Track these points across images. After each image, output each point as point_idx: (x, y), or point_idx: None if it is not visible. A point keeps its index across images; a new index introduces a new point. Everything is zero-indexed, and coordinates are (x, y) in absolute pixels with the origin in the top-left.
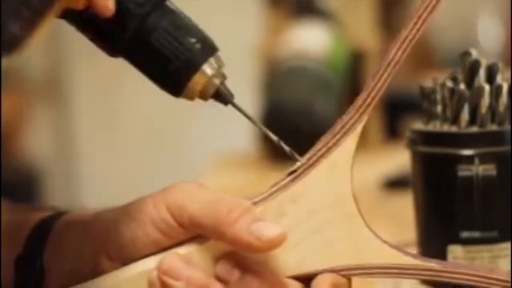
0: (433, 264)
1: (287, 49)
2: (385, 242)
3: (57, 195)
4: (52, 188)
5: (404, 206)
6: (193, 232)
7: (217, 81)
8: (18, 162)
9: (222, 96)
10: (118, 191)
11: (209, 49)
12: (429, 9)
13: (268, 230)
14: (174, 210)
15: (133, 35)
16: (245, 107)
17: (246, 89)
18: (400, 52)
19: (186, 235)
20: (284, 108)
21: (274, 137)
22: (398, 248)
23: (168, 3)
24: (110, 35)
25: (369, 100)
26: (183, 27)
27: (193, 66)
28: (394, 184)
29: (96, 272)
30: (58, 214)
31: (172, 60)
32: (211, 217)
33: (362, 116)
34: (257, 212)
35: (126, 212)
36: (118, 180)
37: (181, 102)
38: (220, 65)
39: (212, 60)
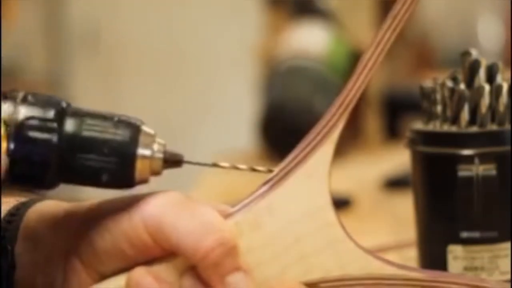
0: (419, 274)
1: (287, 49)
2: (367, 252)
3: (57, 195)
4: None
5: (404, 206)
6: (170, 251)
7: (159, 154)
8: None
9: (173, 162)
10: (118, 191)
11: (133, 130)
12: (405, 8)
13: None
14: (152, 231)
15: (57, 162)
16: (245, 107)
17: (246, 89)
18: (377, 53)
19: (161, 253)
20: (284, 108)
21: (249, 168)
22: (382, 258)
23: (70, 109)
24: (37, 175)
25: (345, 103)
26: (98, 125)
27: (129, 158)
28: (394, 184)
29: (67, 272)
30: (31, 201)
31: (107, 165)
32: (192, 249)
33: (338, 120)
34: (237, 247)
35: (101, 220)
36: None
37: (180, 101)
38: (152, 136)
39: (142, 139)
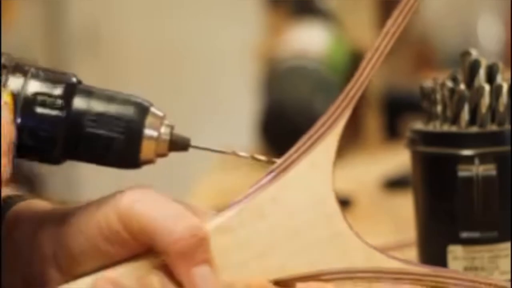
0: (421, 268)
1: (287, 49)
2: (370, 245)
3: (57, 195)
4: (52, 188)
5: (404, 206)
6: (146, 243)
7: (166, 136)
8: (18, 162)
9: (179, 145)
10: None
11: (141, 110)
12: (411, 1)
13: (206, 285)
14: (126, 220)
15: (64, 138)
16: (245, 107)
17: (246, 89)
18: (383, 45)
19: (139, 247)
20: (284, 108)
21: (246, 155)
22: (384, 252)
23: (80, 87)
24: (43, 149)
25: (351, 94)
26: (107, 103)
27: (135, 137)
28: (394, 184)
29: (46, 282)
30: (10, 202)
31: (113, 142)
32: (166, 232)
33: (343, 112)
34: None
35: (74, 223)
36: (119, 180)
37: (180, 101)
38: (161, 118)
39: (149, 119)
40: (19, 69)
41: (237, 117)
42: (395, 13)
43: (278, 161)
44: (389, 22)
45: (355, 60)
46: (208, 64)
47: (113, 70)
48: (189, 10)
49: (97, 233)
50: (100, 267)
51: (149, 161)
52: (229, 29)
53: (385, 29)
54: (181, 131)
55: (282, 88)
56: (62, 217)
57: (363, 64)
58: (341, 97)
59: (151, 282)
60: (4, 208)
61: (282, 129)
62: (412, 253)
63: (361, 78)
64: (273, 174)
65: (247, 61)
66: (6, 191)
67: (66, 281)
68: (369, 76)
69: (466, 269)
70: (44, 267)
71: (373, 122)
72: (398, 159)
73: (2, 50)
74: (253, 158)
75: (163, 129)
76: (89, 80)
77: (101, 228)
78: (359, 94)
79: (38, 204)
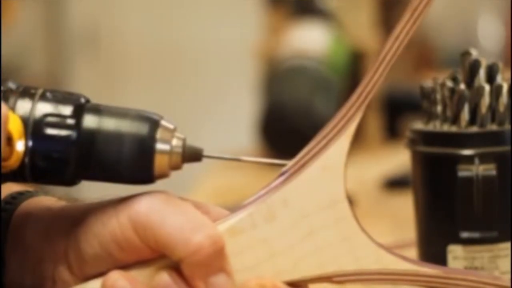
0: (433, 270)
1: (287, 49)
2: (381, 246)
3: (57, 192)
4: (52, 189)
5: (404, 206)
6: (160, 251)
7: (178, 149)
8: None
9: (192, 156)
10: (119, 191)
11: (151, 125)
12: (425, 1)
13: None
14: (140, 229)
15: (76, 159)
16: (245, 107)
17: (246, 89)
18: (395, 46)
19: (153, 254)
20: (284, 108)
21: (258, 161)
22: (395, 253)
23: (88, 106)
24: (57, 171)
25: (363, 96)
26: (116, 120)
27: (147, 153)
28: (394, 184)
29: (56, 281)
30: (21, 197)
31: (125, 159)
32: (182, 244)
33: (356, 113)
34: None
35: (88, 224)
36: None
37: (180, 101)
38: (172, 131)
39: (160, 133)
40: (27, 92)
41: (237, 117)
42: (407, 14)
43: (290, 163)
44: (401, 23)
45: (355, 60)
46: (208, 64)
47: (113, 70)
48: (189, 10)
49: (111, 240)
50: (111, 270)
51: (163, 175)
52: (229, 29)
53: (397, 30)
54: (181, 131)
55: (282, 88)
56: (76, 216)
57: (376, 64)
58: (352, 98)
59: (163, 278)
60: (13, 204)
61: (282, 129)
62: (412, 253)
63: (373, 79)
64: (284, 176)
65: (247, 61)
66: (16, 187)
67: (75, 281)
68: (382, 77)
69: (466, 269)
70: (55, 264)
71: (373, 122)
72: (398, 159)
73: (2, 50)
74: (265, 163)
75: (175, 142)
76: (89, 80)
77: (115, 235)
78: (371, 96)
79: (49, 200)
